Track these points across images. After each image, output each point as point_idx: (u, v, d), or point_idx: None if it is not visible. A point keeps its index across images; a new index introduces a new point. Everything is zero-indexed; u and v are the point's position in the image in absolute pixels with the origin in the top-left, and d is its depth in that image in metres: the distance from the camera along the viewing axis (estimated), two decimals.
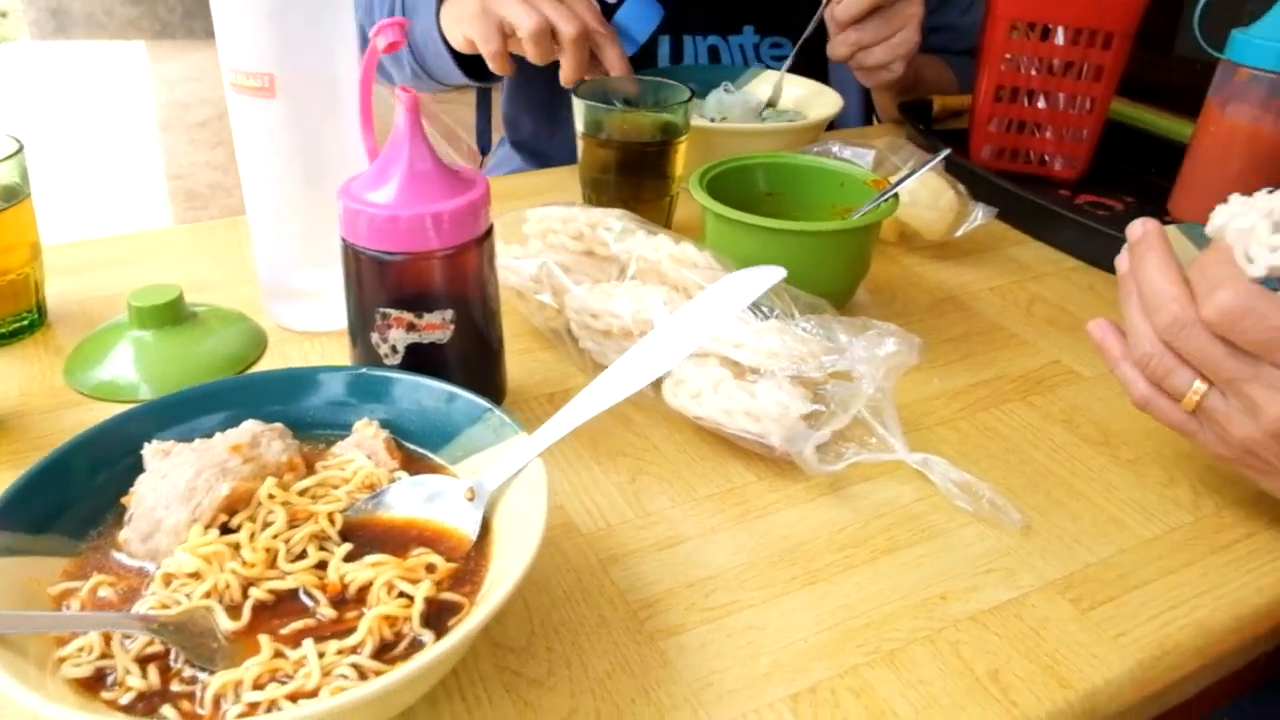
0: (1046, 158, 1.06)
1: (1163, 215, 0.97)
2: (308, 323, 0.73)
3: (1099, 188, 1.05)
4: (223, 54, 0.65)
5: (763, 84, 1.08)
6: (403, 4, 1.09)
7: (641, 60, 1.19)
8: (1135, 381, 0.57)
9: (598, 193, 0.85)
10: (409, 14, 1.06)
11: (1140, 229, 0.58)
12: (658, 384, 0.62)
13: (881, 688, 0.46)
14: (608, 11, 1.15)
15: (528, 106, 1.32)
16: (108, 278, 0.80)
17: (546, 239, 0.71)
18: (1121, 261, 0.58)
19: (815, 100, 1.04)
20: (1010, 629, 0.50)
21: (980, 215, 0.85)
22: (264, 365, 0.70)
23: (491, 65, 0.94)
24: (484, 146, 1.39)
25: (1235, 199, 0.55)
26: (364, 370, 0.53)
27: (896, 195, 0.73)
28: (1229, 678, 0.57)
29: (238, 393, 0.51)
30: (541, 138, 1.29)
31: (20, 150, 0.70)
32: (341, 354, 0.70)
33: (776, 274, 0.52)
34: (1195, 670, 0.51)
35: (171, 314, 0.69)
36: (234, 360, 0.70)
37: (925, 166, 0.73)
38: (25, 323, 0.73)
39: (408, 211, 0.54)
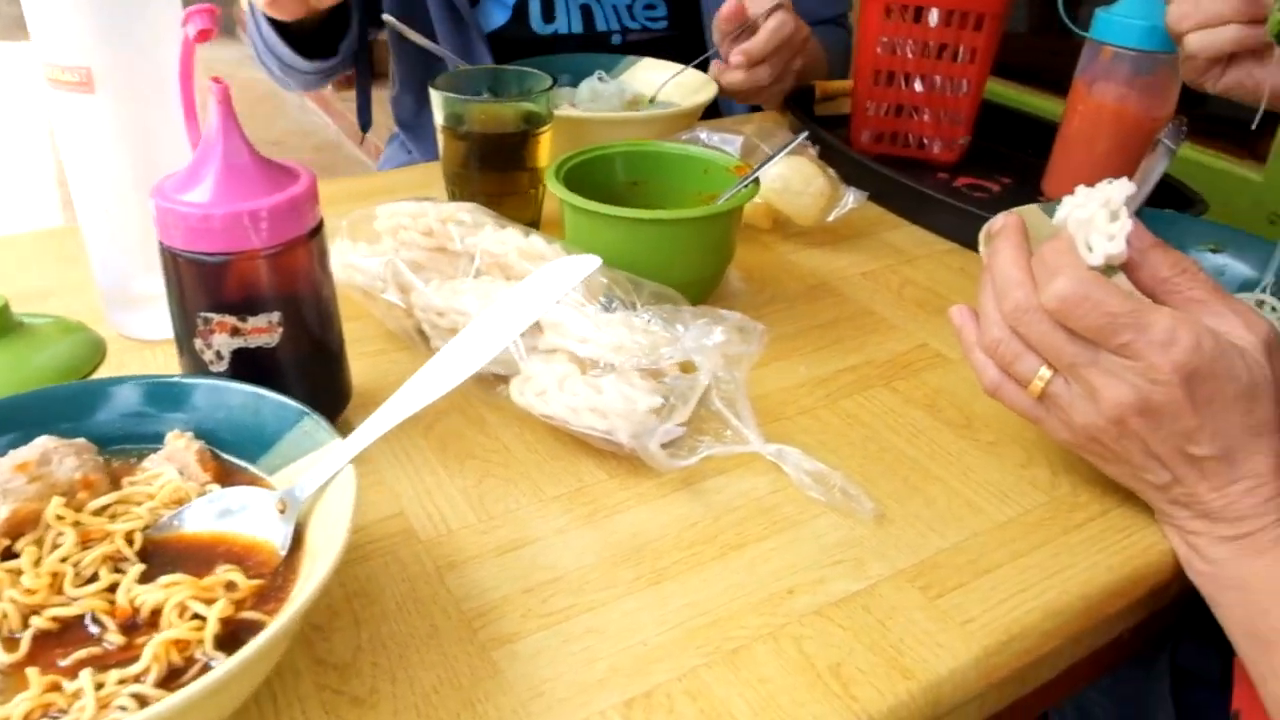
0: (925, 141, 1.06)
1: (1037, 196, 0.98)
2: (148, 330, 0.70)
3: (978, 170, 1.06)
4: (37, 46, 0.61)
5: (640, 73, 1.06)
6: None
7: (514, 21, 1.17)
8: (986, 367, 0.57)
9: (460, 187, 0.82)
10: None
11: (1001, 221, 0.58)
12: (507, 382, 0.60)
13: (720, 688, 0.45)
14: None
15: (409, 87, 1.30)
16: None
17: (397, 236, 0.68)
18: (983, 251, 0.58)
19: (693, 89, 1.03)
20: (856, 621, 0.48)
21: (851, 200, 0.84)
22: (101, 375, 0.66)
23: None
24: (364, 123, 1.35)
25: (1080, 190, 0.55)
26: (155, 378, 0.50)
27: (757, 180, 0.71)
28: (1096, 655, 0.57)
29: (20, 411, 0.47)
30: (426, 118, 1.26)
31: None
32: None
33: (591, 263, 0.50)
34: (1046, 654, 0.50)
35: None
36: (65, 373, 0.65)
37: (782, 151, 0.72)
38: None
39: (223, 209, 0.51)
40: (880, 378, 0.69)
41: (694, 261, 0.70)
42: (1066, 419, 0.54)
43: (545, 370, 0.58)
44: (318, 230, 0.56)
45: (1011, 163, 1.07)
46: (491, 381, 0.62)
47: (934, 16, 0.99)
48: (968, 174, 1.05)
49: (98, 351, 0.69)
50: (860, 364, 0.70)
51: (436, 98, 0.79)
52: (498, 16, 1.17)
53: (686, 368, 0.57)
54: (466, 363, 0.47)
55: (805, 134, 0.74)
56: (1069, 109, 0.94)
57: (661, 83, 1.04)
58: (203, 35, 0.54)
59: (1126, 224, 0.52)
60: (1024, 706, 0.56)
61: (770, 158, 0.72)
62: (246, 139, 0.53)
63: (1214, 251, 0.73)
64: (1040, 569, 0.53)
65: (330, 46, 1.10)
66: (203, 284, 0.53)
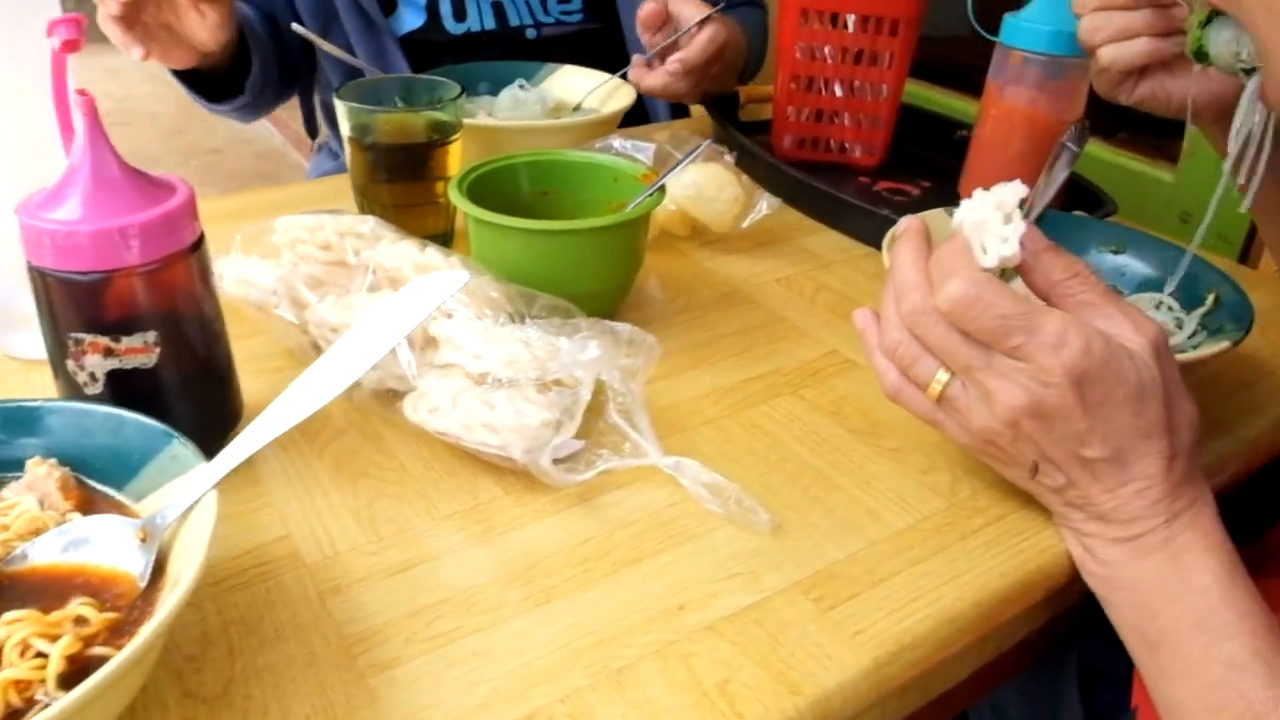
0: (846, 145, 1.06)
1: (956, 199, 0.98)
2: (34, 350, 0.67)
3: (898, 173, 1.06)
4: None
5: (561, 80, 1.06)
6: None
7: (428, 23, 1.16)
8: (887, 371, 0.56)
9: (368, 199, 0.81)
10: None
11: (904, 224, 0.58)
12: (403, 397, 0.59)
13: (602, 709, 0.44)
14: None
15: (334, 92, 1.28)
16: None
17: (295, 250, 0.67)
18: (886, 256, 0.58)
19: (611, 94, 1.02)
20: (746, 636, 0.48)
21: (765, 206, 0.84)
22: None
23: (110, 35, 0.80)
24: (310, 131, 1.33)
25: (977, 193, 0.55)
26: (3, 403, 0.48)
27: (663, 188, 0.71)
28: (1005, 657, 0.57)
29: None
30: None
31: None
32: None
33: (458, 279, 0.49)
34: (941, 661, 0.50)
35: None
36: None
37: (687, 158, 0.71)
38: None
39: (90, 226, 0.49)
40: (788, 385, 0.68)
41: (600, 271, 0.69)
42: (964, 422, 0.53)
43: (439, 386, 0.56)
44: (198, 245, 0.54)
45: (932, 166, 1.08)
46: (390, 397, 0.61)
47: (850, 22, 1.00)
48: (889, 178, 1.05)
49: None
50: (768, 372, 0.69)
51: (341, 108, 0.78)
52: (411, 20, 1.16)
53: (571, 382, 0.56)
54: (332, 384, 0.46)
55: (710, 140, 0.74)
56: (982, 113, 0.94)
57: (584, 90, 1.04)
58: (68, 46, 0.52)
59: (1019, 226, 0.52)
60: (938, 707, 0.56)
61: (676, 164, 0.71)
62: (115, 152, 0.51)
63: (1115, 253, 0.73)
64: (935, 576, 0.52)
65: (236, 85, 1.08)
66: (73, 304, 0.51)
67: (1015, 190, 0.53)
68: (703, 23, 1.01)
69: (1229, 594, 0.49)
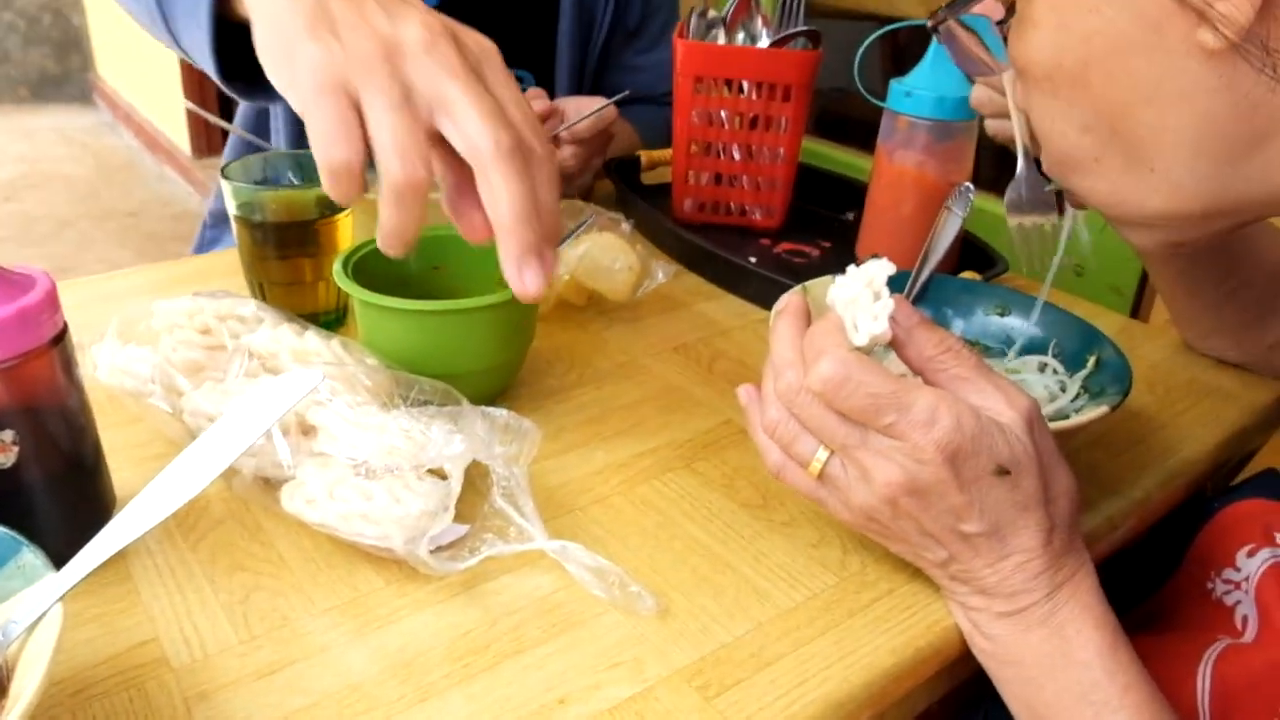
0: (746, 208, 1.08)
1: (854, 259, 0.99)
2: None
3: (798, 235, 1.07)
4: None
5: None
6: None
7: None
8: (769, 450, 0.56)
9: (258, 277, 0.79)
10: None
11: (784, 301, 0.58)
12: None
13: None
14: None
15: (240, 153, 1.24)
16: None
17: (173, 334, 0.65)
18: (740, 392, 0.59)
19: None
20: None
21: (661, 274, 0.84)
22: None
23: (333, 188, 0.50)
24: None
25: (850, 269, 0.55)
26: None
27: None
28: None
29: None
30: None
31: None
32: None
33: (310, 380, 0.48)
34: None
35: None
36: None
37: (572, 234, 0.72)
38: None
39: None
40: (680, 459, 0.68)
41: (490, 350, 0.68)
42: (845, 500, 0.53)
43: (316, 476, 0.55)
44: (59, 338, 0.52)
45: (831, 226, 1.10)
46: (272, 486, 0.59)
47: (745, 87, 1.01)
48: (789, 239, 1.06)
49: None
50: (661, 445, 0.69)
51: (227, 188, 0.77)
52: None
53: (444, 473, 0.55)
54: (176, 494, 0.44)
55: (592, 216, 0.74)
56: (874, 174, 0.96)
57: None
58: None
59: (888, 303, 0.53)
60: None
61: (565, 237, 0.71)
62: None
63: (1001, 314, 0.75)
64: (822, 658, 0.52)
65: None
66: None
67: (883, 268, 0.54)
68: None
69: (1111, 667, 0.50)
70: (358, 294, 0.65)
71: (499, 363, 0.70)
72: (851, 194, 1.09)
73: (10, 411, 0.51)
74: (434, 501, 0.53)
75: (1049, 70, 0.51)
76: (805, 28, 1.00)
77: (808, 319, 0.57)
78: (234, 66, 0.73)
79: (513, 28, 1.20)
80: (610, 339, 0.83)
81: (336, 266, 0.68)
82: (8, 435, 0.50)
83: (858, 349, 0.52)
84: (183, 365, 0.63)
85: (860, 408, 0.50)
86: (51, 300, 0.52)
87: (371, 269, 0.70)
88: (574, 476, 0.65)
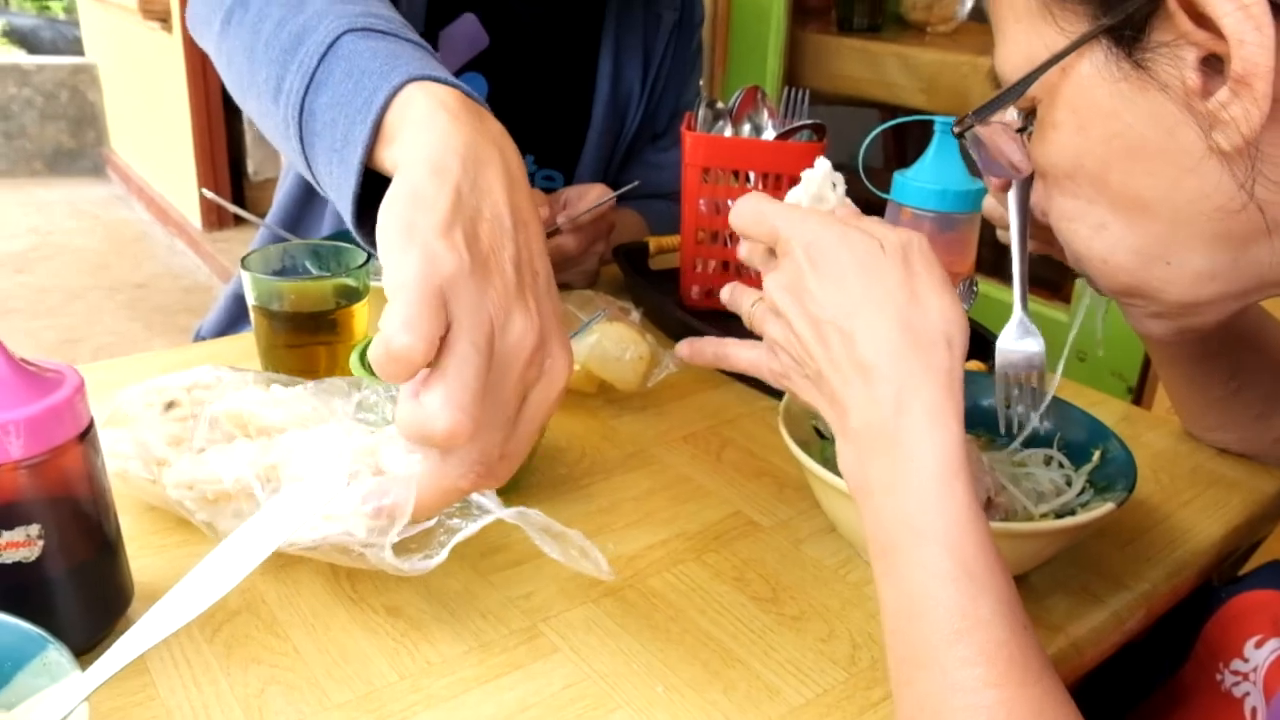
0: None
1: None
2: None
3: None
4: None
5: None
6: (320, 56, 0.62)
7: None
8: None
9: (276, 365, 0.81)
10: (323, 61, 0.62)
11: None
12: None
13: None
14: (438, 25, 1.14)
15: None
16: None
17: (147, 413, 0.66)
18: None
19: None
20: None
21: (670, 364, 0.86)
22: None
23: (385, 367, 0.45)
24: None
25: (804, 173, 0.64)
26: None
27: None
28: None
29: None
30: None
31: None
32: None
33: (337, 478, 0.49)
34: None
35: None
36: None
37: (587, 325, 0.73)
38: None
39: None
40: (691, 551, 0.68)
41: None
42: (762, 333, 0.61)
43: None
44: (87, 431, 0.54)
45: None
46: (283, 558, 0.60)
47: (750, 178, 1.04)
48: None
49: None
50: (671, 537, 0.70)
51: (246, 278, 0.78)
52: None
53: None
54: (223, 580, 0.45)
55: (603, 310, 0.76)
56: None
57: None
58: None
59: (832, 200, 0.62)
60: None
61: (577, 331, 0.73)
62: (3, 348, 0.51)
63: (1006, 406, 0.76)
64: None
65: None
66: None
67: (823, 167, 0.63)
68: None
69: (943, 494, 0.49)
70: (374, 384, 0.66)
71: None
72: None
73: (36, 505, 0.52)
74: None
75: (1070, 170, 0.54)
76: (810, 121, 1.03)
77: None
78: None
79: (548, 127, 1.23)
80: (620, 428, 0.85)
81: (354, 359, 0.70)
82: (34, 530, 0.51)
83: None
84: (164, 439, 0.64)
85: (751, 220, 0.59)
86: (80, 395, 0.53)
87: None
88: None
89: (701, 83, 1.53)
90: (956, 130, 0.60)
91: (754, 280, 1.06)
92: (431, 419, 0.45)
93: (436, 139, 0.52)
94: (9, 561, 0.51)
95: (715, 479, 0.78)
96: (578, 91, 1.23)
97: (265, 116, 0.68)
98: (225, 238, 4.35)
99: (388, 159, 0.55)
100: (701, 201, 1.05)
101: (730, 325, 1.05)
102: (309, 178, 0.65)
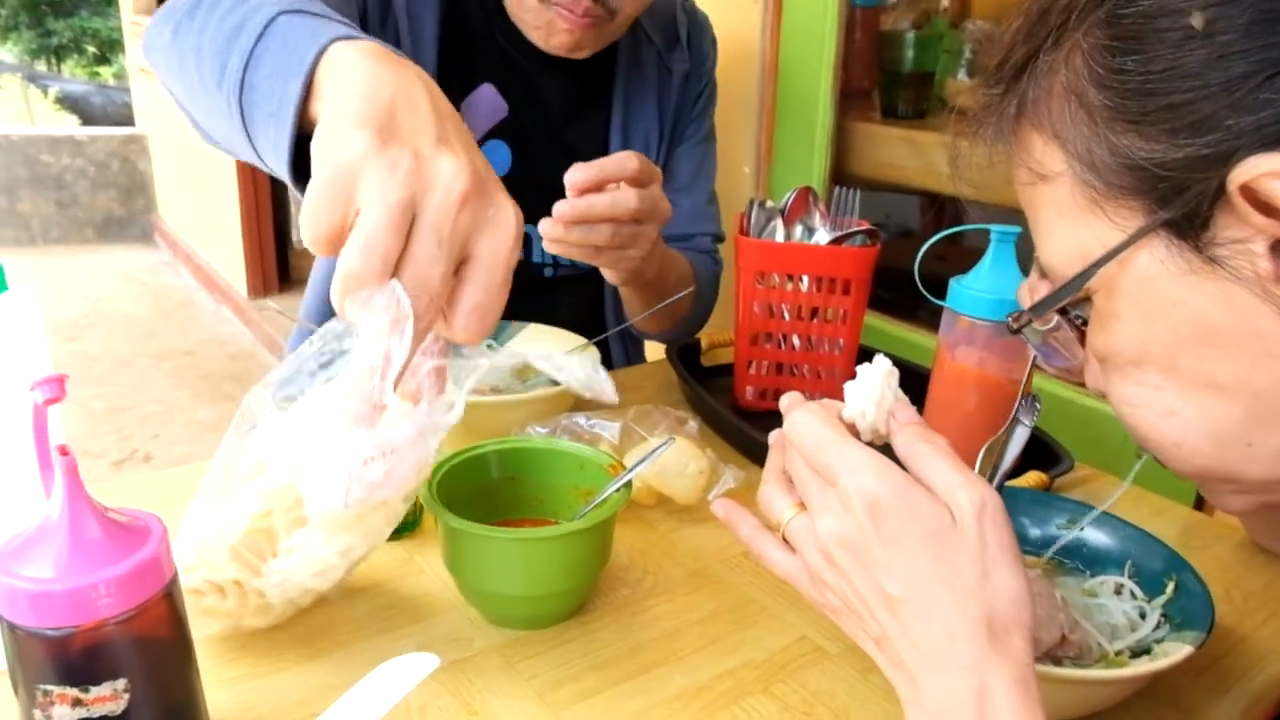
0: (807, 395, 1.09)
1: None
2: None
3: None
4: None
5: (526, 339, 1.09)
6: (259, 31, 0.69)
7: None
8: (742, 521, 0.63)
9: None
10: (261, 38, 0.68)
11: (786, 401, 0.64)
12: None
13: None
14: (460, 96, 1.17)
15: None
16: None
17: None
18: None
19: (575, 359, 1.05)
20: None
21: (731, 480, 0.86)
22: None
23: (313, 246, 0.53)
24: None
25: (862, 368, 0.61)
26: None
27: (630, 484, 0.72)
28: None
29: None
30: None
31: None
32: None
33: (429, 663, 0.50)
34: None
35: None
36: None
37: (651, 456, 0.74)
38: None
39: (65, 585, 0.50)
40: (758, 681, 0.68)
41: (568, 570, 0.70)
42: (804, 562, 0.57)
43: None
44: (171, 583, 0.55)
45: None
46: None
47: (804, 282, 1.04)
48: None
49: None
50: (738, 666, 0.70)
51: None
52: None
53: None
54: None
55: (671, 439, 0.76)
56: (935, 370, 0.98)
57: (548, 354, 1.06)
58: (50, 401, 0.54)
59: (890, 399, 0.58)
60: None
61: (642, 461, 0.74)
62: (92, 505, 0.52)
63: (1072, 528, 0.75)
64: None
65: None
66: (43, 656, 0.51)
67: (883, 365, 0.59)
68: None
69: None
70: (446, 519, 0.67)
71: (577, 585, 0.71)
72: (910, 380, 1.11)
73: (123, 659, 0.53)
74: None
75: (1134, 358, 0.52)
76: (865, 228, 1.04)
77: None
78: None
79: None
80: (680, 542, 0.85)
81: (424, 487, 0.71)
82: (120, 684, 0.52)
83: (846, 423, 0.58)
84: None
85: (807, 447, 0.55)
86: (165, 548, 0.54)
87: (452, 481, 0.73)
88: (655, 701, 0.66)
89: (747, 169, 1.55)
90: (1014, 327, 0.60)
91: (805, 383, 1.07)
92: (340, 262, 0.50)
93: (361, 75, 0.56)
94: (96, 716, 0.52)
95: (778, 600, 0.77)
96: (595, 152, 1.24)
97: (211, 109, 0.74)
98: (269, 304, 4.42)
99: (318, 111, 0.60)
100: (756, 304, 1.06)
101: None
102: (251, 157, 0.71)
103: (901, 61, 1.57)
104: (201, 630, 0.64)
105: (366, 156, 0.51)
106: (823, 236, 1.08)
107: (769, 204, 1.11)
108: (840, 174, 1.51)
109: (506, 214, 0.54)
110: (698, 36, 1.31)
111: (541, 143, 1.23)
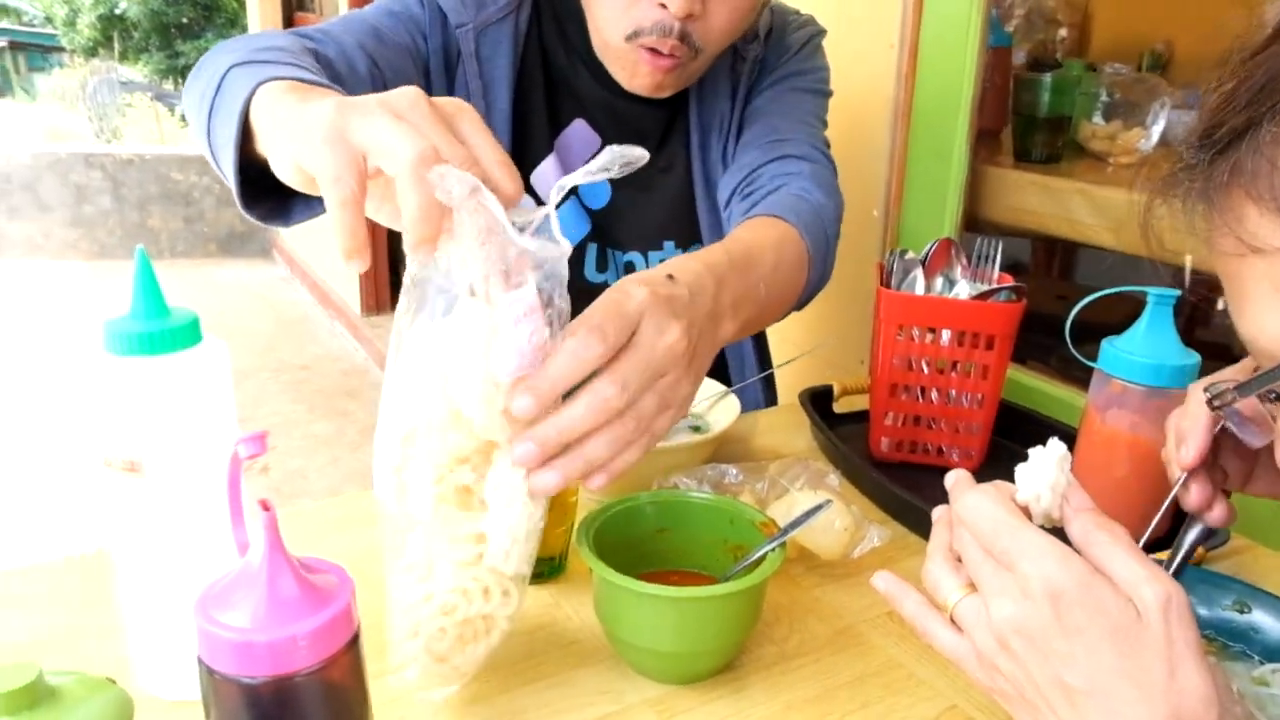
0: (944, 449, 1.08)
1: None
2: (180, 691, 0.70)
3: (998, 475, 1.06)
4: (94, 434, 0.65)
5: None
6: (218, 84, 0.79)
7: (569, 266, 1.19)
8: (905, 596, 0.61)
9: None
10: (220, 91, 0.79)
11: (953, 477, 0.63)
12: None
13: None
14: (550, 135, 1.19)
15: None
16: None
17: None
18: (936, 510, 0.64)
19: (717, 405, 1.06)
20: None
21: (876, 539, 0.85)
22: None
23: (338, 223, 0.61)
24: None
25: (1034, 451, 0.61)
26: None
27: (784, 545, 0.73)
28: None
29: None
30: None
31: None
32: None
33: None
34: None
35: (29, 698, 0.65)
36: None
37: (806, 520, 0.74)
38: None
39: (266, 637, 0.52)
40: None
41: (722, 629, 0.70)
42: (973, 646, 0.55)
43: None
44: (356, 634, 0.57)
45: None
46: None
47: (945, 336, 1.04)
48: (988, 480, 1.06)
49: (126, 715, 0.69)
50: None
51: None
52: None
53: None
54: None
55: (829, 500, 0.76)
56: (1084, 433, 0.96)
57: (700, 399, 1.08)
58: (252, 457, 0.56)
59: (1063, 482, 0.58)
60: None
61: (795, 524, 0.74)
62: (291, 562, 0.54)
63: (1241, 612, 0.73)
64: None
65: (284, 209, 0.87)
66: (240, 702, 0.54)
67: (1057, 450, 0.59)
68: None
69: None
70: (605, 574, 0.68)
71: (730, 643, 0.72)
72: (1050, 434, 1.09)
73: (310, 707, 0.55)
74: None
75: None
76: (1011, 284, 1.03)
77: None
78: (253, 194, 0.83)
79: (672, 209, 1.24)
80: (823, 599, 0.84)
81: (579, 532, 0.72)
82: None
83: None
84: None
85: (982, 530, 0.54)
86: (353, 600, 0.56)
87: (607, 531, 0.74)
88: None
89: (876, 213, 1.54)
90: (1215, 405, 0.59)
91: (943, 436, 1.06)
92: (403, 205, 0.59)
93: (290, 99, 0.68)
94: None
95: (926, 667, 0.77)
96: (683, 170, 1.24)
97: (206, 155, 0.86)
98: (381, 323, 4.54)
99: (260, 146, 0.73)
100: (895, 358, 1.05)
101: (919, 479, 1.05)
102: (233, 190, 0.81)
103: (1037, 105, 1.54)
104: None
105: (340, 110, 0.60)
106: (964, 289, 1.07)
107: (908, 254, 1.10)
108: (970, 219, 1.49)
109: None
110: (781, 32, 1.23)
111: (637, 171, 1.22)
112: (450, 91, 1.15)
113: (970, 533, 0.56)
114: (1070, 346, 0.93)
